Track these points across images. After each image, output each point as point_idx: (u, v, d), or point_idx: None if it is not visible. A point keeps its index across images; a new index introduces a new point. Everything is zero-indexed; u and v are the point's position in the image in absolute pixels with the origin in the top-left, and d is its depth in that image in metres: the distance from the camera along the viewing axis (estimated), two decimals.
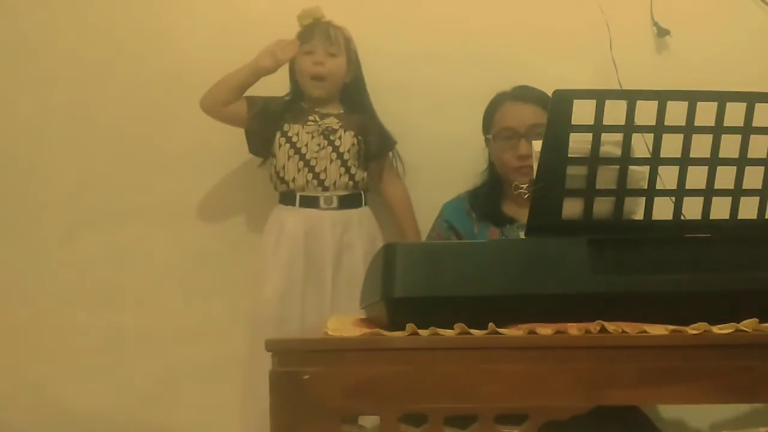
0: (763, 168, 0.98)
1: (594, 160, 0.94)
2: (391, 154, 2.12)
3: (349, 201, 2.02)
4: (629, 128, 0.94)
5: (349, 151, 2.02)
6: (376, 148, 2.06)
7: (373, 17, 2.21)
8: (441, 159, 2.18)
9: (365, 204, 2.06)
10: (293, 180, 1.99)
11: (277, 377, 0.82)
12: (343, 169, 2.00)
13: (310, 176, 1.99)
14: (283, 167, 2.00)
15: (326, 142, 2.01)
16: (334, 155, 2.00)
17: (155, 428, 2.16)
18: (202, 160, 2.23)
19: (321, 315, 1.92)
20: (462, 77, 2.19)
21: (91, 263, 2.22)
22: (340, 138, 2.02)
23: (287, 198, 2.02)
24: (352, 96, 2.09)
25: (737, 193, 0.98)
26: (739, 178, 0.98)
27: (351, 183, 2.01)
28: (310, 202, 1.99)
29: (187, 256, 2.21)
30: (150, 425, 2.16)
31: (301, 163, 1.99)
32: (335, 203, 2.00)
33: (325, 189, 2.00)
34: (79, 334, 2.19)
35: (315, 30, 2.01)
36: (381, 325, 0.91)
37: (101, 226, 2.21)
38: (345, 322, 1.04)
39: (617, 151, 0.95)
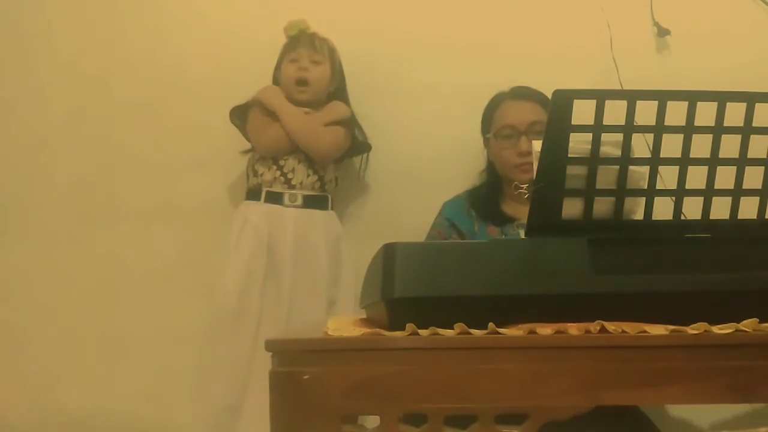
0: (763, 168, 0.97)
1: (594, 160, 0.94)
2: (362, 158, 2.15)
3: (314, 201, 2.04)
4: (629, 128, 0.94)
5: None
6: (347, 152, 2.09)
7: (375, 21, 2.21)
8: (440, 160, 2.19)
9: (331, 208, 2.08)
10: (262, 174, 2.02)
11: (277, 377, 0.82)
12: (311, 170, 2.03)
13: (278, 173, 2.02)
14: (257, 161, 2.05)
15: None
16: (302, 155, 2.02)
17: (154, 428, 2.16)
18: (201, 161, 2.23)
19: (278, 312, 1.94)
20: (461, 78, 2.20)
21: (91, 263, 2.22)
22: None
23: (254, 193, 2.05)
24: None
25: (737, 193, 0.97)
26: (739, 178, 0.97)
27: (318, 184, 2.05)
28: (274, 198, 2.02)
29: (186, 257, 2.21)
30: (149, 425, 2.16)
31: (271, 161, 2.03)
32: (299, 201, 2.02)
33: (292, 187, 2.02)
34: (79, 334, 2.19)
35: (300, 39, 2.05)
36: (381, 325, 0.91)
37: (101, 226, 2.22)
38: (345, 322, 1.04)
39: (617, 151, 0.95)
